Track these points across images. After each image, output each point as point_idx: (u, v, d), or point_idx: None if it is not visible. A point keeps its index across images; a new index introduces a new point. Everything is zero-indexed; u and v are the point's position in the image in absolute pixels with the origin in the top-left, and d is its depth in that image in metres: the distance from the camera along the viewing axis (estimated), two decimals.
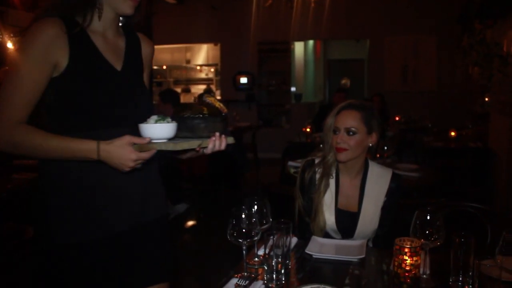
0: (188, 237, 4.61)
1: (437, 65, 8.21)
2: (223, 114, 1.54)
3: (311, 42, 10.44)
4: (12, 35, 8.11)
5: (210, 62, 10.86)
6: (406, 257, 1.38)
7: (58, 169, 1.37)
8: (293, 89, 9.50)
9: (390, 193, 1.99)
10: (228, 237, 1.49)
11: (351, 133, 1.93)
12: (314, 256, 1.71)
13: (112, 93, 1.38)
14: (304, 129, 5.34)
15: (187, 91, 10.99)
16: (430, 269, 1.55)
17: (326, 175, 2.03)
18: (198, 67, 11.17)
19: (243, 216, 1.52)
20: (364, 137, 1.97)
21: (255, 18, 8.25)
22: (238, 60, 9.04)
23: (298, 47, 9.80)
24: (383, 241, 1.96)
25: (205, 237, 4.40)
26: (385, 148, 3.44)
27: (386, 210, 1.99)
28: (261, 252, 1.65)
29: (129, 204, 1.42)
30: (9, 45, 8.11)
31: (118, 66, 1.44)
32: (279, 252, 1.58)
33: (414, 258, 1.38)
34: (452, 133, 5.47)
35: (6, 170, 3.64)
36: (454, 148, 5.22)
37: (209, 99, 1.64)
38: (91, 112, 1.34)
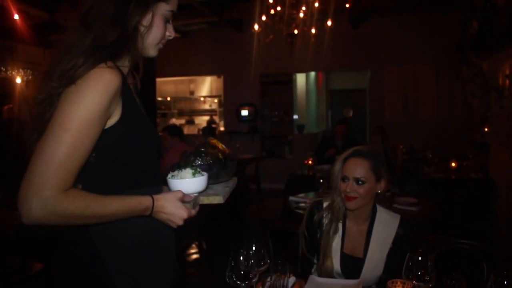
0: (191, 271, 4.62)
1: (437, 95, 8.30)
2: (231, 155, 1.64)
3: (312, 73, 10.60)
4: (21, 69, 8.35)
5: (214, 94, 11.04)
6: None
7: (112, 235, 1.25)
8: (295, 117, 9.61)
9: (396, 240, 1.99)
10: (227, 279, 1.53)
11: (360, 182, 1.94)
12: None
13: (154, 148, 1.34)
14: (306, 162, 5.40)
15: (191, 122, 11.13)
16: None
17: (335, 220, 2.04)
18: (202, 99, 11.34)
19: (241, 258, 1.57)
20: (373, 185, 1.98)
21: (257, 51, 8.43)
22: (241, 92, 9.20)
23: (300, 78, 9.96)
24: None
25: (208, 269, 4.42)
26: None
27: (392, 256, 1.98)
28: None
29: (173, 258, 1.42)
30: (18, 80, 8.34)
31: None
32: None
33: None
34: (453, 164, 5.51)
35: (11, 206, 3.71)
36: (455, 179, 5.24)
37: (213, 142, 1.73)
38: (141, 168, 1.30)
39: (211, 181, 1.45)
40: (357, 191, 1.94)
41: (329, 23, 6.00)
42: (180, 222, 1.25)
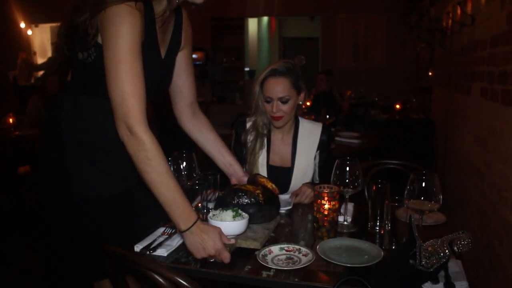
0: None
1: (388, 43, 8.40)
2: (277, 197, 1.63)
3: (265, 19, 10.42)
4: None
5: None
6: (324, 202, 1.45)
7: (74, 132, 1.39)
8: (246, 67, 9.49)
9: (321, 146, 2.07)
10: None
11: (284, 101, 1.95)
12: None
13: (147, 79, 1.34)
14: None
15: None
16: (352, 217, 1.63)
17: (260, 136, 2.07)
18: None
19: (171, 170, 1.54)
20: (296, 100, 2.01)
21: None
22: (192, 36, 8.92)
23: (252, 24, 9.78)
24: None
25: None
26: (327, 116, 3.52)
27: (322, 163, 2.08)
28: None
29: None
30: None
31: (163, 53, 1.49)
32: (207, 204, 1.63)
33: (332, 203, 1.45)
34: (397, 106, 5.67)
35: None
36: (398, 120, 5.43)
37: (261, 180, 1.69)
38: None
39: (250, 221, 1.45)
40: (283, 110, 1.96)
41: None
42: (211, 252, 1.25)
